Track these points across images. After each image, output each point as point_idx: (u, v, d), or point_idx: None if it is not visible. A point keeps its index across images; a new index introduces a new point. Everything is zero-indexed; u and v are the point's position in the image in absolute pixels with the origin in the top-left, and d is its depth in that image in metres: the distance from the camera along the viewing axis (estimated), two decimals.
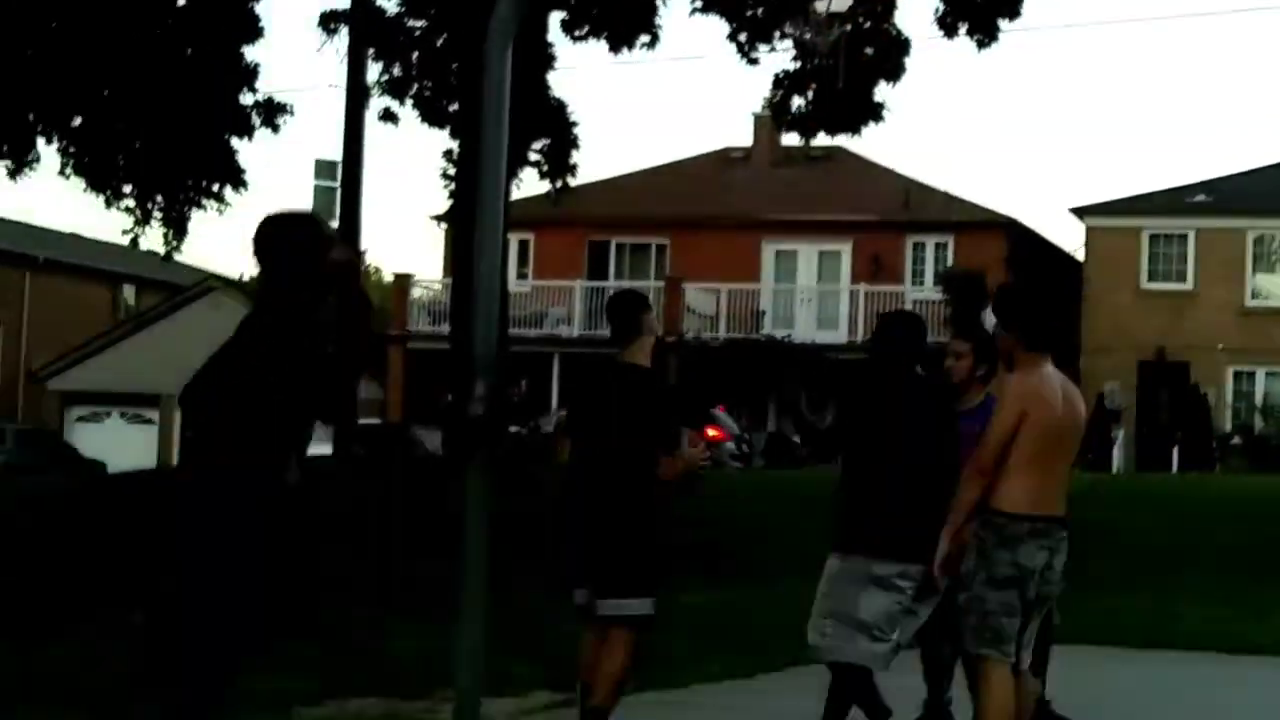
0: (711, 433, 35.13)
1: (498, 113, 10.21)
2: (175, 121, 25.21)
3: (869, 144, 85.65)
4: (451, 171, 27.17)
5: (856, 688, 8.62)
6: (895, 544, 8.37)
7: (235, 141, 26.45)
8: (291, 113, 26.50)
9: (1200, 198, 46.68)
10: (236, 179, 26.67)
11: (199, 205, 27.00)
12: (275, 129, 26.40)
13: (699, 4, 25.97)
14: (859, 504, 8.57)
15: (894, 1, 26.00)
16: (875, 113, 26.47)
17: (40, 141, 26.09)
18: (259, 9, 25.92)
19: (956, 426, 8.64)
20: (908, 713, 9.71)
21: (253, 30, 25.94)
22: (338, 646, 12.43)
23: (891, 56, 26.00)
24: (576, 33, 26.35)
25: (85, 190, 26.09)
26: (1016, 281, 9.84)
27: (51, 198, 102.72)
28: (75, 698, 9.96)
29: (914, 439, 8.48)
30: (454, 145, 27.13)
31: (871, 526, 8.44)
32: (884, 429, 8.54)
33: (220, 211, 26.75)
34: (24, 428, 48.85)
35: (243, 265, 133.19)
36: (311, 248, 6.54)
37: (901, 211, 47.68)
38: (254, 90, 26.24)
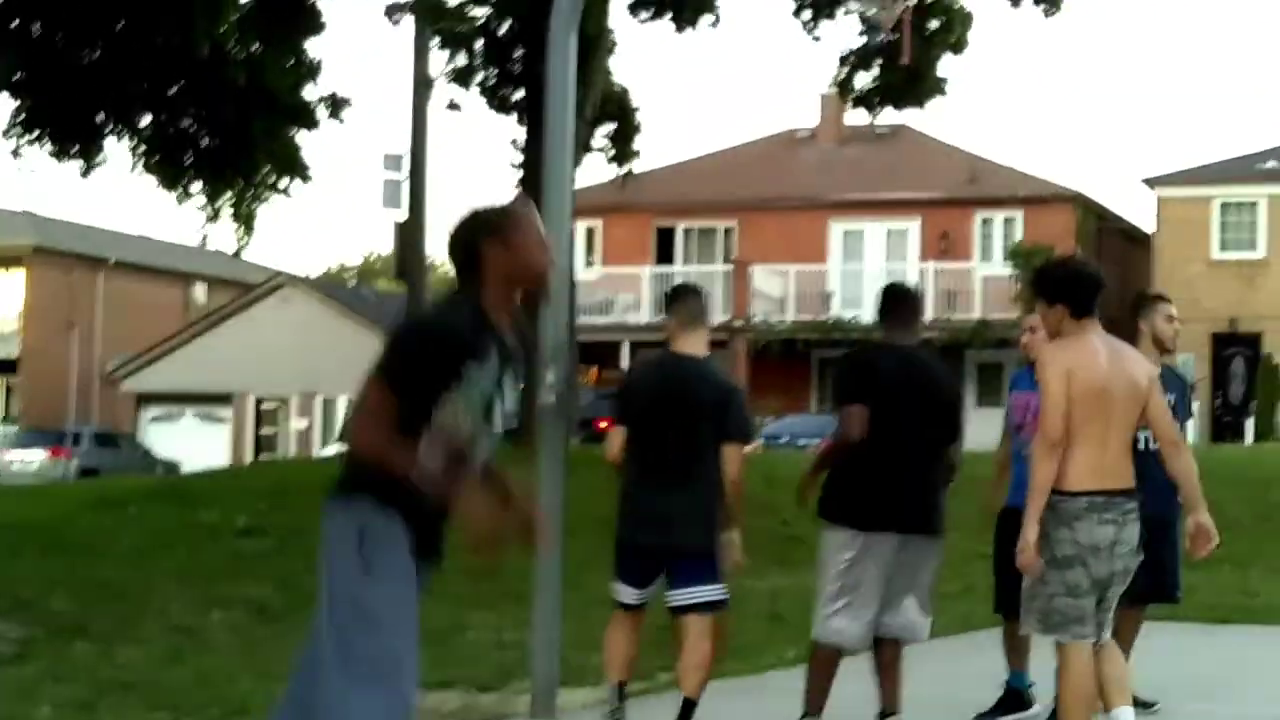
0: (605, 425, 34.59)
1: (563, 99, 10.20)
2: (238, 117, 25.35)
3: (934, 120, 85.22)
4: (518, 159, 27.18)
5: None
6: (847, 513, 8.42)
7: (298, 135, 26.58)
8: (351, 104, 26.58)
9: (1271, 164, 46.19)
10: (301, 172, 26.82)
11: (263, 199, 27.19)
12: (340, 121, 26.52)
13: None
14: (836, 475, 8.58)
15: None
16: (940, 87, 26.36)
17: (110, 140, 26.27)
18: (320, 4, 25.99)
19: (928, 398, 8.54)
20: (987, 693, 9.63)
21: (314, 24, 26.03)
22: (422, 637, 12.44)
23: (955, 29, 25.86)
24: (641, 15, 26.29)
25: (156, 188, 26.31)
26: (1051, 259, 9.84)
27: (123, 199, 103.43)
28: (156, 696, 10.00)
29: (874, 413, 8.37)
30: (520, 133, 27.14)
31: (841, 498, 8.50)
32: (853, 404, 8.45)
33: (285, 198, 26.93)
34: (99, 429, 49.20)
35: (311, 262, 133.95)
36: (483, 244, 5.57)
37: (969, 187, 47.41)
38: (316, 83, 26.36)
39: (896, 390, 8.43)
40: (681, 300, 8.85)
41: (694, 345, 8.68)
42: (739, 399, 8.72)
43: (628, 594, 8.66)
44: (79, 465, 43.00)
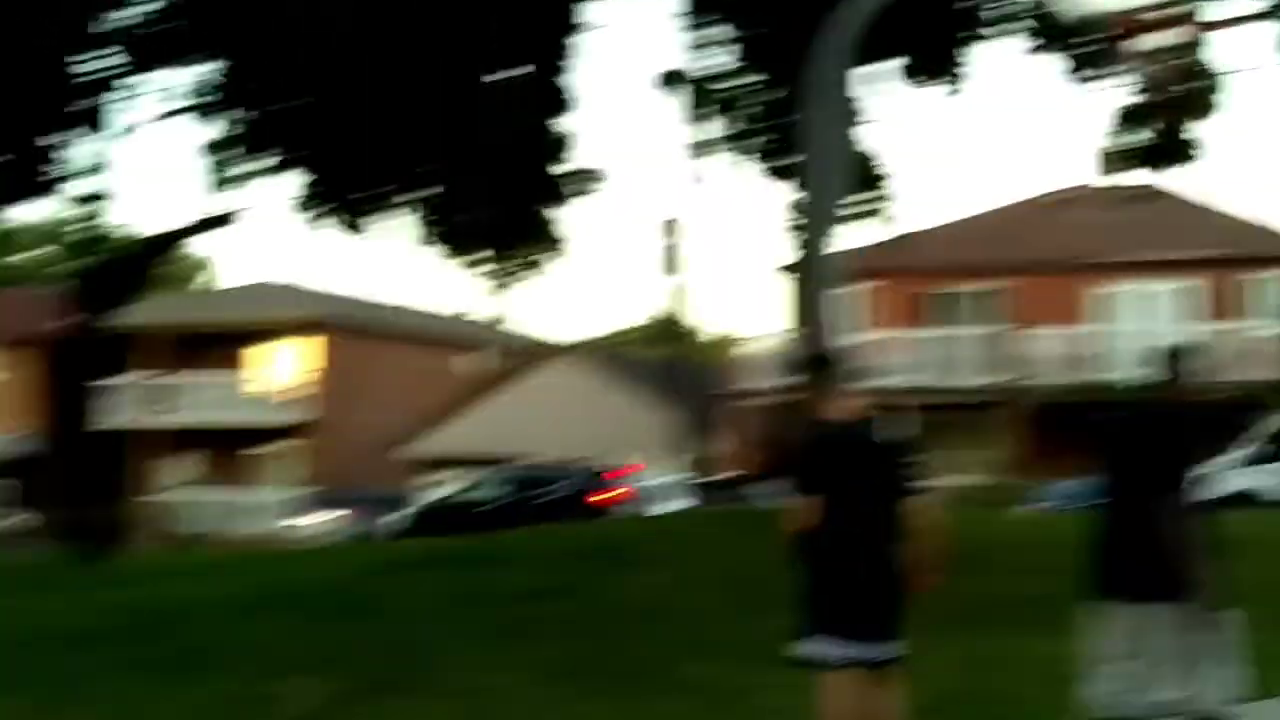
0: (601, 497, 35.33)
1: (831, 165, 10.39)
2: (499, 192, 26.21)
3: (1200, 181, 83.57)
4: (791, 225, 27.40)
5: None
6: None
7: (555, 210, 27.42)
8: (603, 179, 27.36)
9: None
10: (555, 246, 27.62)
11: (520, 276, 28.00)
12: (591, 194, 27.31)
13: (1035, 43, 25.87)
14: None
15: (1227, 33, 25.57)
16: (1206, 148, 26.16)
17: (386, 215, 27.21)
18: (572, 79, 26.75)
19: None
20: None
21: (564, 104, 26.77)
22: (707, 702, 12.59)
23: (1219, 90, 25.58)
24: (909, 80, 26.38)
25: (440, 259, 27.20)
26: None
27: (394, 270, 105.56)
28: None
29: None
30: (792, 199, 27.37)
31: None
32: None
33: (541, 274, 27.76)
34: (387, 494, 50.20)
35: (586, 329, 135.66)
36: None
37: (1238, 248, 46.43)
38: (566, 161, 27.16)
39: (1122, 444, 8.59)
40: (822, 367, 9.28)
41: (841, 410, 8.96)
42: (912, 453, 9.06)
43: (846, 651, 8.94)
44: (368, 528, 43.89)
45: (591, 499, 34.90)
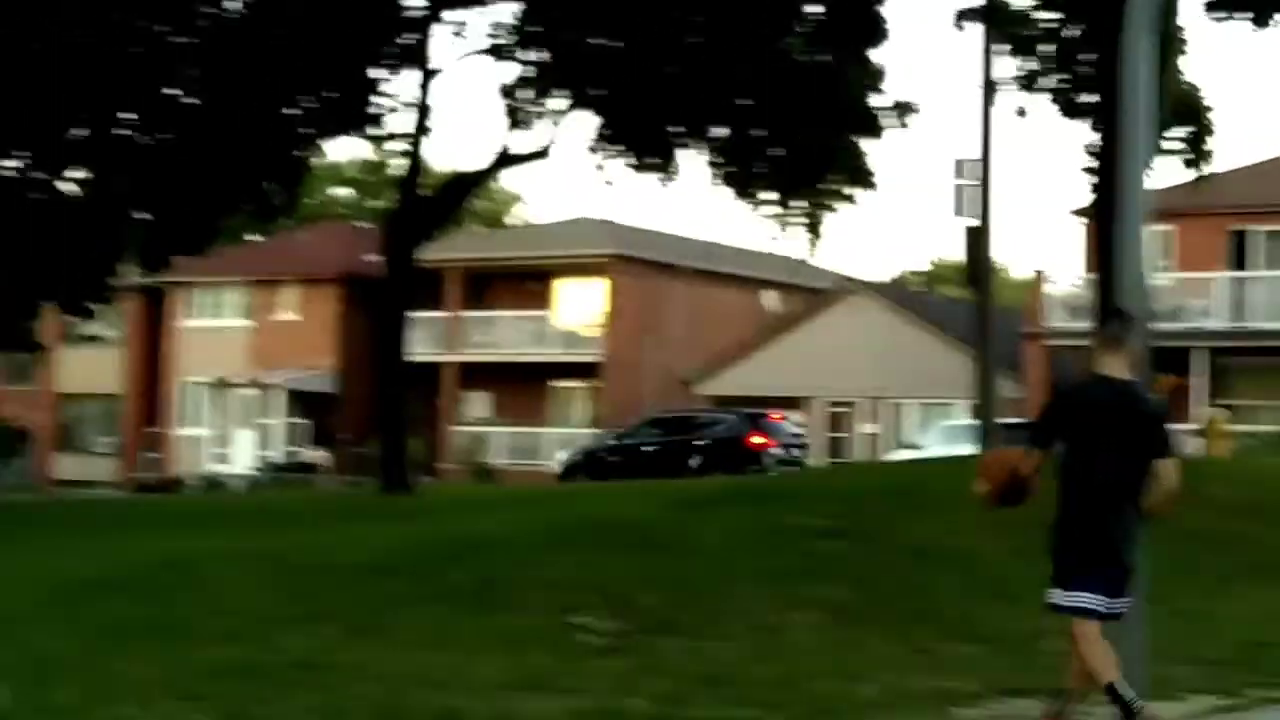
0: (758, 440, 35.72)
1: (1138, 104, 10.13)
2: (808, 126, 25.92)
3: None
4: (1091, 164, 26.84)
5: None
6: None
7: (865, 143, 26.99)
8: (918, 111, 26.82)
9: None
10: (866, 179, 27.21)
11: (830, 208, 27.68)
12: (906, 127, 26.80)
13: None
14: None
15: None
16: None
17: (683, 152, 27.25)
18: (884, 11, 26.36)
19: None
20: None
21: (878, 33, 26.38)
22: (997, 647, 12.52)
23: None
24: (1217, 14, 25.65)
25: (732, 199, 27.14)
26: None
27: (693, 207, 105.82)
28: (742, 692, 10.35)
29: None
30: (1093, 138, 26.80)
31: None
32: None
33: (853, 206, 27.42)
34: None
35: (879, 267, 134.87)
36: None
37: None
38: (881, 91, 26.73)
39: None
40: (1105, 323, 9.30)
41: (1114, 367, 8.92)
42: (1163, 417, 9.10)
43: (1101, 603, 8.97)
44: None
45: (750, 442, 35.81)
